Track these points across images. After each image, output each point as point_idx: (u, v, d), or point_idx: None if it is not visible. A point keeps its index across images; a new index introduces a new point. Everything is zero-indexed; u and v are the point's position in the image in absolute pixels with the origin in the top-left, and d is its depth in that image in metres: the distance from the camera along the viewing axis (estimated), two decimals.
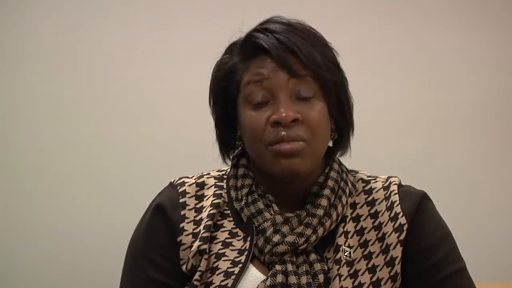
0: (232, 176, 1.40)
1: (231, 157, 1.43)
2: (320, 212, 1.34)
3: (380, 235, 1.35)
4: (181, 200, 1.39)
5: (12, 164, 2.70)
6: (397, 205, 1.36)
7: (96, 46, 2.72)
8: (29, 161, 2.70)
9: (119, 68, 2.72)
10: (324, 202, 1.34)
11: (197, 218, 1.37)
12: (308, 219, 1.33)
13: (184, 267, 1.35)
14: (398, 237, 1.34)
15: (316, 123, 1.31)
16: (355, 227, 1.37)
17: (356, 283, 1.32)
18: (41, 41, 2.70)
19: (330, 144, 1.40)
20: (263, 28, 1.34)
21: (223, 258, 1.34)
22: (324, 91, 1.33)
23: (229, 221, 1.38)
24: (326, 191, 1.35)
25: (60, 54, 2.70)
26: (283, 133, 1.29)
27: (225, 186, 1.41)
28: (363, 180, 1.42)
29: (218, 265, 1.33)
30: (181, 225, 1.36)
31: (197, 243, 1.34)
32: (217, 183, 1.42)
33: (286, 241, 1.31)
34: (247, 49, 1.34)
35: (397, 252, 1.34)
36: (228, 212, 1.39)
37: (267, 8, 2.57)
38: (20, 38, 2.70)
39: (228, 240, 1.36)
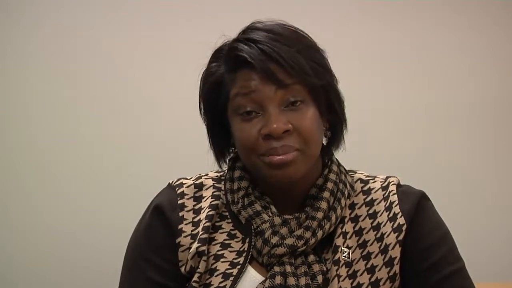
0: (228, 179, 1.39)
1: (226, 161, 1.42)
2: (319, 215, 1.33)
3: (378, 235, 1.35)
4: (179, 202, 1.38)
5: (12, 164, 2.70)
6: (396, 205, 1.36)
7: (96, 46, 2.71)
8: (29, 161, 2.69)
9: (119, 68, 2.72)
10: (323, 205, 1.34)
11: (196, 219, 1.37)
12: (307, 222, 1.33)
13: (183, 269, 1.35)
14: (397, 237, 1.34)
15: (308, 131, 1.30)
16: (354, 227, 1.36)
17: (355, 284, 1.31)
18: (41, 41, 2.70)
19: (324, 142, 1.39)
20: (245, 38, 1.31)
21: (222, 260, 1.34)
22: (313, 96, 1.31)
23: (228, 222, 1.37)
24: (326, 194, 1.35)
25: (60, 54, 2.70)
26: (275, 145, 1.28)
27: (223, 188, 1.40)
28: (361, 180, 1.42)
29: (216, 266, 1.33)
30: (180, 226, 1.36)
31: (195, 245, 1.34)
32: (215, 185, 1.41)
33: (285, 243, 1.31)
34: (231, 61, 1.32)
35: (396, 252, 1.33)
36: (227, 214, 1.38)
37: (267, 8, 2.59)
38: (20, 38, 2.69)
39: (226, 242, 1.35)
